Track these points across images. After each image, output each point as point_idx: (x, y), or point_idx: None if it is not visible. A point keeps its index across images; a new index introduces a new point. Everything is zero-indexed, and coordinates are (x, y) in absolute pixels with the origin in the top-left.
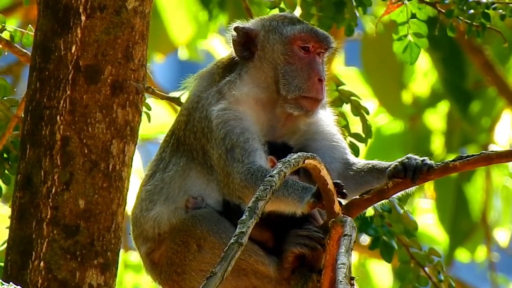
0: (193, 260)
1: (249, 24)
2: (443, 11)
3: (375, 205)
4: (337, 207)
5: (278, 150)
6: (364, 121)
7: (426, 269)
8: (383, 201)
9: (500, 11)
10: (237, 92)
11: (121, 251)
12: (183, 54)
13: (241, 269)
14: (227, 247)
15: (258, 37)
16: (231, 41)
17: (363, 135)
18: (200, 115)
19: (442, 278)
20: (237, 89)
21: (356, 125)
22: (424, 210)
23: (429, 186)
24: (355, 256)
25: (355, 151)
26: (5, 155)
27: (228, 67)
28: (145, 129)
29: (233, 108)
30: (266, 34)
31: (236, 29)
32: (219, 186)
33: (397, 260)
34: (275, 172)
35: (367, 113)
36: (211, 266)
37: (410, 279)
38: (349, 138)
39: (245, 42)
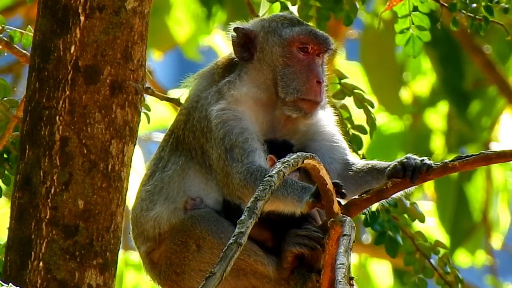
0: (192, 260)
1: (248, 25)
2: (446, 5)
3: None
4: (336, 207)
5: (278, 148)
6: (368, 114)
7: (432, 261)
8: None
9: (503, 4)
10: (236, 92)
11: (122, 251)
12: (184, 53)
13: (240, 269)
14: (226, 247)
15: (257, 38)
16: (231, 41)
17: (367, 128)
18: (199, 115)
19: (449, 270)
20: (236, 89)
21: (357, 120)
22: (424, 212)
23: (429, 187)
24: (356, 256)
25: (358, 143)
26: (5, 156)
27: (228, 67)
28: (147, 129)
29: (232, 108)
30: (265, 35)
31: (235, 29)
32: (219, 186)
33: (400, 258)
34: (274, 172)
35: (372, 106)
36: (210, 266)
37: (416, 270)
38: (352, 131)
39: (245, 43)
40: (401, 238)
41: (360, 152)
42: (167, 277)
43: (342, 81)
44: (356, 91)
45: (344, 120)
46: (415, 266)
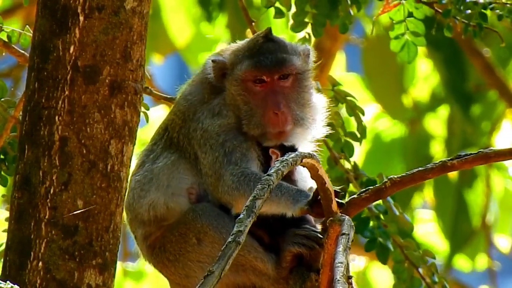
0: (191, 252)
1: (223, 56)
2: (440, 11)
3: (371, 207)
4: (335, 206)
5: (286, 151)
6: (359, 121)
7: (420, 270)
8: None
9: (498, 11)
10: (231, 112)
11: (119, 262)
12: (184, 59)
13: (240, 265)
14: (224, 246)
15: (227, 72)
16: (212, 72)
17: (358, 135)
18: (196, 126)
19: (436, 279)
20: (230, 110)
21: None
22: (424, 220)
23: (429, 193)
24: (356, 264)
25: (350, 150)
26: (2, 156)
27: (216, 88)
28: (147, 132)
29: (232, 122)
30: (228, 71)
31: (213, 62)
32: (209, 190)
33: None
34: (272, 171)
35: (363, 113)
36: (210, 258)
37: (404, 279)
38: (344, 138)
39: (223, 73)
40: (392, 245)
41: (351, 159)
42: (158, 260)
43: (335, 88)
44: (348, 98)
45: (337, 128)
46: (403, 275)
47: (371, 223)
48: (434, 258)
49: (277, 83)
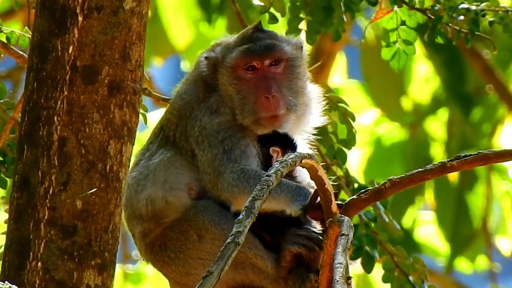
0: (192, 248)
1: (215, 52)
2: (433, 17)
3: (361, 214)
4: (334, 207)
5: (281, 140)
6: (349, 128)
7: (411, 278)
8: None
9: (490, 18)
10: (228, 109)
11: (120, 264)
12: (184, 62)
13: (239, 262)
14: (223, 247)
15: (219, 66)
16: (205, 69)
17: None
18: (193, 123)
19: (426, 287)
20: (227, 106)
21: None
22: (425, 222)
23: (429, 195)
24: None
25: (343, 158)
26: (1, 158)
27: (210, 85)
28: (146, 135)
29: (231, 119)
30: (220, 64)
31: (205, 58)
32: (207, 188)
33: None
34: (272, 171)
35: (353, 119)
36: (211, 255)
37: (394, 287)
38: (337, 145)
39: (216, 70)
40: (381, 253)
41: (347, 164)
42: (158, 258)
43: (328, 94)
44: (340, 104)
45: (330, 134)
46: (393, 284)
47: (359, 231)
48: (424, 265)
49: (268, 69)
